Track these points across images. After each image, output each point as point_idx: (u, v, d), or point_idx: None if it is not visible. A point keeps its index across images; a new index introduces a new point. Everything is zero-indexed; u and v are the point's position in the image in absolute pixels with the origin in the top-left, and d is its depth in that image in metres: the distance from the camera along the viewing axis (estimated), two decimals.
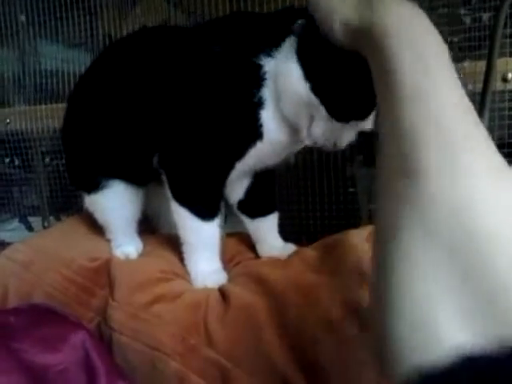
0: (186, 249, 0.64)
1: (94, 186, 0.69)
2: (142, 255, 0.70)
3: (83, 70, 1.09)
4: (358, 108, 0.51)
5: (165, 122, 0.61)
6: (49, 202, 1.19)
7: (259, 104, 0.55)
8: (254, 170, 0.65)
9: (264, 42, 0.54)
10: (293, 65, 0.51)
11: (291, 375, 0.48)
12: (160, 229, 0.79)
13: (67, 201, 0.99)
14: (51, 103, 1.11)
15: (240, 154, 0.59)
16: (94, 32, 1.10)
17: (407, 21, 0.36)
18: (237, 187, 0.68)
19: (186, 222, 0.63)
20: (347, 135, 0.54)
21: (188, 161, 0.60)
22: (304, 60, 0.51)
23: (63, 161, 1.12)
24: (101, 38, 1.11)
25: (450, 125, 0.30)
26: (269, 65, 0.54)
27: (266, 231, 0.67)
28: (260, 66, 0.54)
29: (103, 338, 0.58)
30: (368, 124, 0.53)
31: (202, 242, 0.64)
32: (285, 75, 0.52)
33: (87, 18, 1.10)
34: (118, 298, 0.59)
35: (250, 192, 0.70)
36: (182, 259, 0.66)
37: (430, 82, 0.32)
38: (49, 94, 1.12)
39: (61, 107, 1.08)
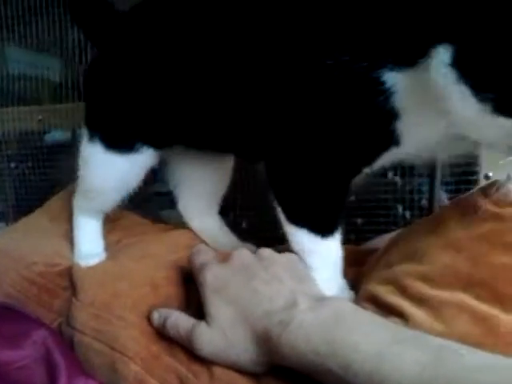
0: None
1: (127, 146, 0.64)
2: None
3: (51, 75, 1.10)
4: None
5: (268, 118, 0.52)
6: (14, 209, 1.18)
7: (392, 116, 0.46)
8: None
9: (389, 53, 0.43)
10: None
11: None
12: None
13: (33, 207, 0.98)
14: (18, 106, 1.11)
15: (370, 160, 0.51)
16: (64, 37, 1.10)
17: None
18: None
19: (303, 242, 0.55)
20: None
21: (307, 168, 0.52)
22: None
23: (29, 164, 1.11)
24: (70, 43, 1.11)
25: None
26: (394, 79, 0.44)
27: None
28: (382, 83, 0.45)
29: (65, 339, 0.58)
30: None
31: (322, 261, 0.56)
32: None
33: (57, 23, 1.10)
34: (81, 297, 0.59)
35: None
36: None
37: None
38: (16, 97, 1.11)
39: (27, 110, 1.07)
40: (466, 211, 0.51)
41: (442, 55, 0.39)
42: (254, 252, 0.54)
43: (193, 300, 0.55)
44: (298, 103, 0.49)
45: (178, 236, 0.72)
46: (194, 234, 0.74)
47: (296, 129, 0.51)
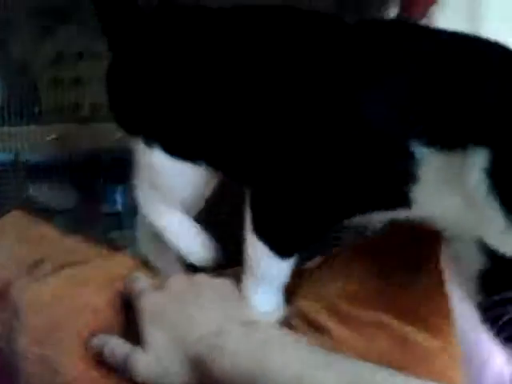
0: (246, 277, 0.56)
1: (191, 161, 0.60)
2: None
3: None
4: None
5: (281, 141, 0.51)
6: None
7: (409, 179, 0.44)
8: None
9: (427, 131, 0.42)
10: None
11: None
12: None
13: None
14: None
15: (370, 210, 0.49)
16: (5, 59, 1.09)
17: None
18: None
19: (259, 255, 0.54)
20: None
21: (300, 198, 0.50)
22: None
23: None
24: (12, 65, 1.09)
25: None
26: (423, 151, 0.42)
27: None
28: (410, 151, 0.43)
29: (7, 364, 0.58)
30: None
31: (270, 277, 0.55)
32: None
33: None
34: (23, 320, 0.59)
35: None
36: None
37: None
38: None
39: None
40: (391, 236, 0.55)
41: (478, 156, 0.38)
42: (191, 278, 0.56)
43: (132, 326, 0.56)
44: (318, 142, 0.48)
45: (120, 262, 0.72)
46: (135, 261, 0.71)
47: (306, 163, 0.49)
